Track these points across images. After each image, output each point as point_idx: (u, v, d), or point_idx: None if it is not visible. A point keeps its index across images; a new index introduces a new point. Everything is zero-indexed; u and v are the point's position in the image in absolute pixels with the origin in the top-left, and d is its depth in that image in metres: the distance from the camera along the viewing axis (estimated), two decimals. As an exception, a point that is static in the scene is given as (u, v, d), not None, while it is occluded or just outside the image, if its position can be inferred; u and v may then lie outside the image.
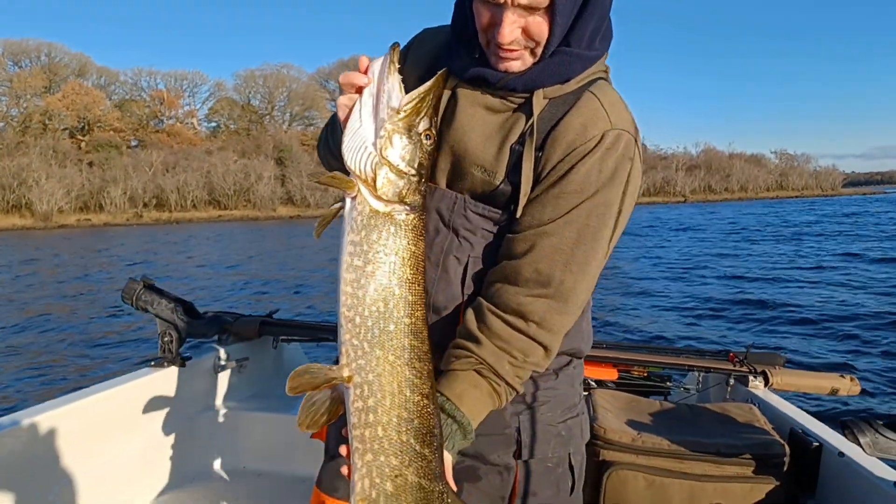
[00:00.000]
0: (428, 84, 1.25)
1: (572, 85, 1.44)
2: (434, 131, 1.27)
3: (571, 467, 1.58)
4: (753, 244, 27.86)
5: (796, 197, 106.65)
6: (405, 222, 1.23)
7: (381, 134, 1.22)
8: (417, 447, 1.20)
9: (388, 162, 1.22)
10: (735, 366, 3.12)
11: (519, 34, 1.35)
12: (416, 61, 1.54)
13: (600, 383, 3.34)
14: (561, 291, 1.37)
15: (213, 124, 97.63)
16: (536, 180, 1.40)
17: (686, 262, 21.57)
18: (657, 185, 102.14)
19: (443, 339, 1.41)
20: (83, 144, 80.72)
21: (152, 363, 2.78)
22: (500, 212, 1.44)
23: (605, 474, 2.36)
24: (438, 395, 1.32)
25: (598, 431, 2.45)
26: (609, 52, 1.52)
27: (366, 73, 1.26)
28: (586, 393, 3.33)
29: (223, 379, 3.07)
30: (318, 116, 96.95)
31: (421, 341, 1.22)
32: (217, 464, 2.94)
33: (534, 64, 1.40)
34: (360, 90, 1.26)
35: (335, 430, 1.73)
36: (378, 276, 1.20)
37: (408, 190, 1.23)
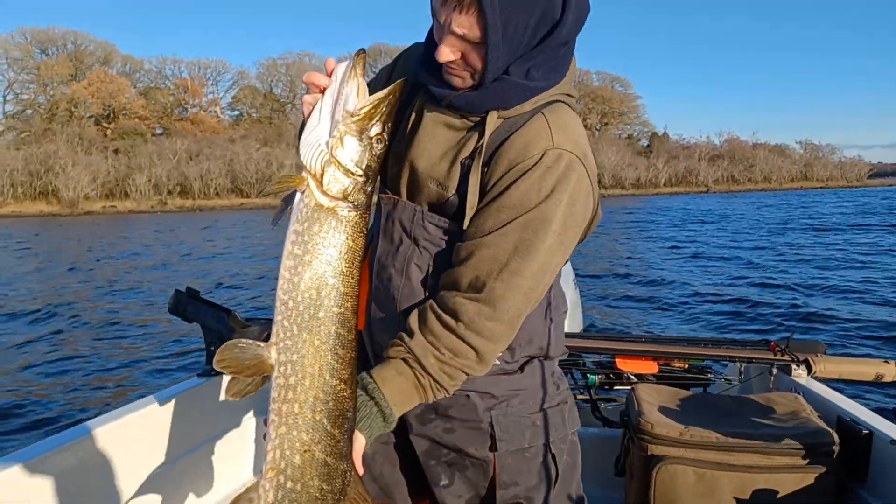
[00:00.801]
0: (384, 91, 1.32)
1: (528, 106, 1.51)
2: (386, 136, 1.33)
3: (553, 456, 1.65)
4: (782, 235, 27.60)
5: (821, 188, 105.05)
6: (347, 218, 1.29)
7: (333, 134, 1.29)
8: (328, 427, 1.29)
9: (337, 161, 1.29)
10: (776, 355, 3.13)
11: (456, 57, 1.45)
12: (400, 75, 1.63)
13: (640, 377, 3.36)
14: (491, 298, 1.44)
15: (236, 113, 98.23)
16: (482, 194, 1.48)
17: (716, 253, 21.44)
18: (679, 176, 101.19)
19: None
20: (108, 132, 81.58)
21: (199, 373, 2.81)
22: (451, 223, 1.53)
23: (654, 469, 2.39)
24: (366, 376, 1.43)
25: (644, 426, 2.47)
26: (574, 76, 1.61)
27: (330, 75, 1.33)
28: (629, 388, 3.36)
29: (270, 384, 3.12)
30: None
31: (347, 330, 1.30)
32: None
33: (473, 86, 1.49)
34: (323, 90, 1.33)
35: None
36: (314, 266, 1.28)
37: (353, 189, 1.30)
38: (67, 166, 68.00)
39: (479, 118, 1.52)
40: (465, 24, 1.39)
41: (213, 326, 2.74)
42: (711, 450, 2.36)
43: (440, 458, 1.67)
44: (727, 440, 2.37)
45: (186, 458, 2.58)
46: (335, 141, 1.29)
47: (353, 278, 1.30)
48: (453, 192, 1.51)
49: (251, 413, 2.99)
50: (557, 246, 1.46)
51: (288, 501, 1.29)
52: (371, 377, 1.44)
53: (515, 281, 1.44)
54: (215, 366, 1.25)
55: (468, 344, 1.44)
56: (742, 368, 3.46)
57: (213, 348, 2.80)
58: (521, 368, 1.63)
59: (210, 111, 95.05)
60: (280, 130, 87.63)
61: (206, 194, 77.33)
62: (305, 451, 1.29)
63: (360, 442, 1.38)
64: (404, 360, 1.45)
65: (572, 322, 3.85)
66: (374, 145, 1.32)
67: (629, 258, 20.73)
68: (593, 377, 3.43)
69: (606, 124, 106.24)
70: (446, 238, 1.55)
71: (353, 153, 1.30)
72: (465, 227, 1.49)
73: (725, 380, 3.55)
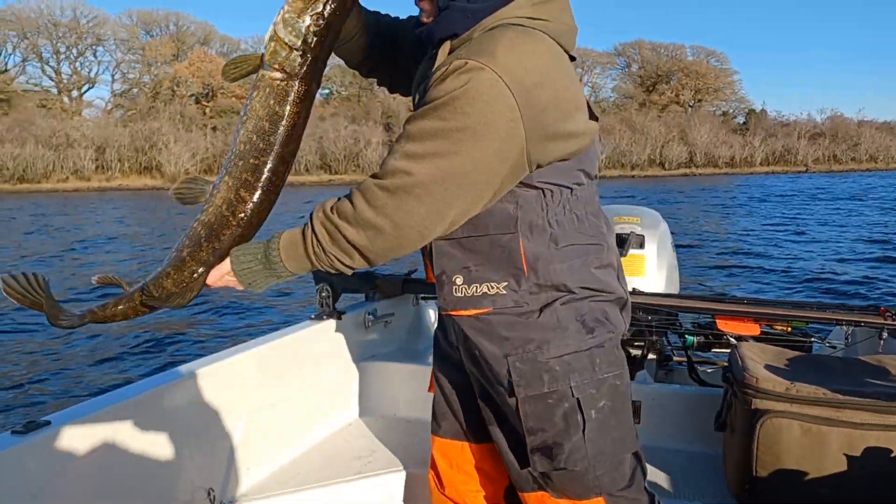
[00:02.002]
0: None
1: (477, 32, 1.54)
2: (325, 14, 1.48)
3: (579, 401, 1.59)
4: (892, 213, 26.15)
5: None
6: (278, 87, 1.50)
7: (279, 11, 1.48)
8: (202, 240, 1.56)
9: (277, 35, 1.48)
10: (888, 320, 3.02)
11: None
12: None
13: (741, 339, 3.32)
14: (383, 171, 1.47)
15: (326, 91, 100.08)
16: None
17: (821, 229, 20.56)
18: (777, 154, 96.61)
19: None
20: (207, 110, 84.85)
21: (312, 316, 2.96)
22: None
23: (757, 422, 2.36)
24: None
25: (749, 381, 2.44)
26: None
27: None
28: (728, 350, 3.32)
29: (372, 332, 3.23)
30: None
31: (256, 178, 1.53)
32: (372, 409, 3.09)
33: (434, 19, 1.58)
34: None
35: (437, 386, 1.98)
36: (246, 124, 1.53)
37: (287, 61, 1.48)
38: (170, 142, 71.19)
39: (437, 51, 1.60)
40: None
41: (323, 274, 2.86)
42: (819, 405, 2.32)
43: (488, 401, 1.75)
44: (836, 396, 2.32)
45: (301, 391, 2.74)
46: (279, 17, 1.48)
47: (273, 137, 1.52)
48: None
49: (357, 355, 3.12)
50: (454, 147, 1.42)
51: (145, 282, 1.61)
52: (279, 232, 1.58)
53: (405, 163, 1.44)
54: (170, 190, 1.56)
55: (350, 201, 1.48)
56: (848, 333, 3.35)
57: (323, 294, 2.96)
58: (541, 311, 1.59)
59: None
60: (368, 108, 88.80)
61: (297, 170, 79.32)
62: (178, 253, 1.58)
63: (225, 263, 1.58)
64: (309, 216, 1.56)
65: (669, 284, 3.82)
66: (311, 22, 1.48)
67: (727, 232, 20.14)
68: (691, 338, 3.41)
69: (700, 101, 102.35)
70: None
71: (290, 27, 1.47)
72: None
73: (828, 344, 3.45)
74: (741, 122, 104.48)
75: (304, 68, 1.50)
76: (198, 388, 2.24)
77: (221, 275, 1.57)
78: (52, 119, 74.63)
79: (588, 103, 1.64)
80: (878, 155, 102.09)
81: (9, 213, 36.44)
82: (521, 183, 1.54)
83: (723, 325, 3.30)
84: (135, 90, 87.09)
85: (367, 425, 2.98)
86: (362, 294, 3.34)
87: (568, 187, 1.60)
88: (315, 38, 1.49)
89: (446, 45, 1.55)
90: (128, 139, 72.24)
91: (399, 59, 1.91)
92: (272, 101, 1.50)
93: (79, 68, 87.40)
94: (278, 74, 1.49)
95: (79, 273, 15.01)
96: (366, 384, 3.09)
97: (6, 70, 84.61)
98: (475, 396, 1.81)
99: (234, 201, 1.53)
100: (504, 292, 1.58)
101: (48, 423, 1.72)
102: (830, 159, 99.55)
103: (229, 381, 2.31)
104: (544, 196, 1.58)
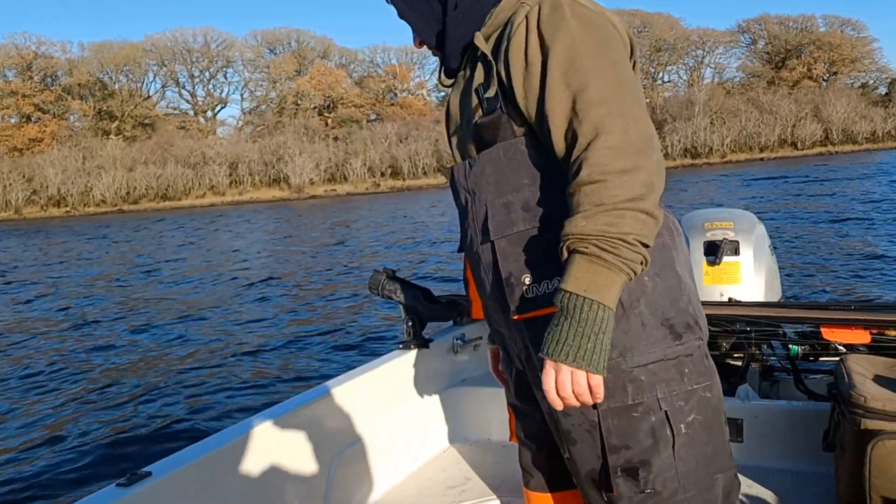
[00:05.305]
0: None
1: (506, 12, 1.48)
2: None
3: (668, 413, 1.44)
4: None
5: None
6: None
7: None
8: None
9: None
10: None
11: (419, 43, 1.64)
12: None
13: (850, 347, 3.11)
14: (582, 107, 1.33)
15: (442, 94, 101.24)
16: (511, 92, 1.44)
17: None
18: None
19: None
20: (329, 121, 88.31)
21: (400, 346, 2.97)
22: (494, 148, 1.51)
23: (868, 444, 2.21)
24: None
25: (856, 399, 2.28)
26: None
27: None
28: (837, 359, 3.12)
29: (461, 358, 3.21)
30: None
31: None
32: (465, 435, 3.10)
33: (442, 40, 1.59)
34: None
35: (519, 437, 1.88)
36: None
37: None
38: (295, 155, 74.61)
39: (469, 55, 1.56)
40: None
41: (409, 303, 2.93)
42: (934, 425, 2.14)
43: (565, 418, 1.52)
44: (953, 415, 2.14)
45: (395, 419, 2.77)
46: None
47: None
48: (480, 116, 1.51)
49: (446, 381, 3.13)
50: (604, 53, 1.37)
51: None
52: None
53: (582, 90, 1.34)
54: None
55: (595, 157, 1.30)
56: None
57: (409, 323, 2.98)
58: (625, 311, 1.41)
59: (417, 94, 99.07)
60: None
61: (415, 174, 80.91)
62: None
63: None
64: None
65: (769, 291, 3.63)
66: None
67: (845, 219, 18.41)
68: (795, 348, 3.23)
69: (836, 73, 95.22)
70: (492, 170, 1.53)
71: None
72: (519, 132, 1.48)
73: None
74: (883, 92, 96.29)
75: None
76: (291, 426, 2.28)
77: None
78: (189, 139, 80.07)
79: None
80: None
81: (162, 228, 38.83)
82: None
83: (828, 333, 3.10)
84: (262, 107, 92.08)
85: (460, 452, 2.98)
86: (449, 321, 3.30)
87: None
88: None
89: (479, 37, 1.51)
90: (257, 154, 76.37)
91: None
92: None
93: (212, 90, 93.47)
94: None
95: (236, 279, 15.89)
96: (456, 410, 3.09)
97: (149, 97, 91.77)
98: (556, 445, 1.65)
99: None
100: None
101: (149, 473, 1.75)
102: None
103: (321, 416, 2.31)
104: None
